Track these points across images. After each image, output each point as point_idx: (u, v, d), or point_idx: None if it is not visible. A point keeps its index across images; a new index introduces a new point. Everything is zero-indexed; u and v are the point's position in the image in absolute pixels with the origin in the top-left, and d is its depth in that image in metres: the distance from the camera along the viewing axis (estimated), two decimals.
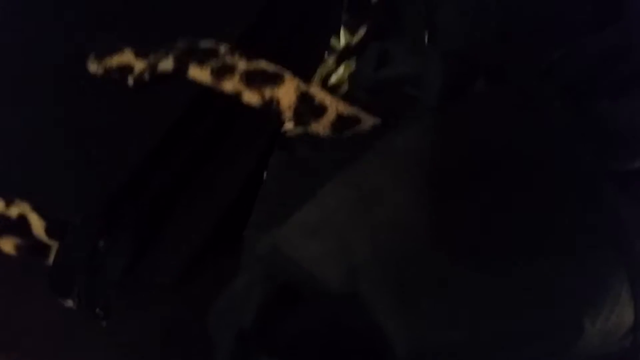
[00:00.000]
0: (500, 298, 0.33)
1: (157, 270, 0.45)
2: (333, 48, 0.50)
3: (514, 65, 0.38)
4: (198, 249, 0.45)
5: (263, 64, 0.45)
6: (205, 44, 0.46)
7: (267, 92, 0.44)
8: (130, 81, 0.47)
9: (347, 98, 0.45)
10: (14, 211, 0.46)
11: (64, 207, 0.45)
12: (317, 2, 0.54)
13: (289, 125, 0.46)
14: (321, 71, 0.49)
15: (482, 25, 0.40)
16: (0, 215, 0.46)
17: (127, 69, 0.48)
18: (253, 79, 0.44)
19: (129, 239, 0.44)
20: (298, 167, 0.43)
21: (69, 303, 0.45)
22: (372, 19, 0.49)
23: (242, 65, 0.45)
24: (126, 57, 0.48)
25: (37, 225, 0.45)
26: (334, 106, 0.43)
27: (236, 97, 0.44)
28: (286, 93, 0.44)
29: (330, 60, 0.49)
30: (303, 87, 0.44)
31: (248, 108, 0.44)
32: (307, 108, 0.43)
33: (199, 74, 0.45)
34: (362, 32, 0.49)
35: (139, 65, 0.48)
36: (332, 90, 0.47)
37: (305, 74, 0.47)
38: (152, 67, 0.46)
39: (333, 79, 0.48)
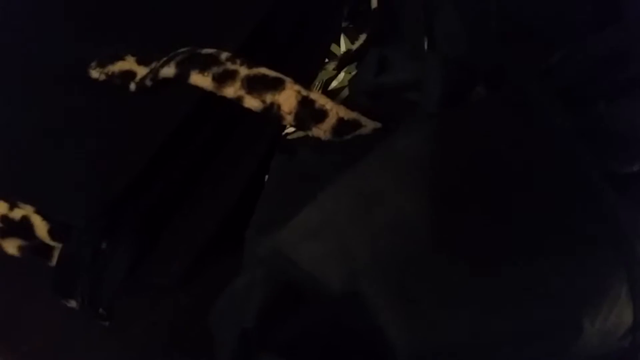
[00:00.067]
0: (500, 299, 0.34)
1: (160, 271, 0.45)
2: (333, 54, 0.51)
3: (514, 67, 0.38)
4: (200, 250, 0.45)
5: (264, 70, 0.45)
6: (207, 50, 0.47)
7: (268, 98, 0.44)
8: (133, 87, 0.47)
9: (348, 103, 0.45)
10: (17, 213, 0.46)
11: (67, 210, 0.45)
12: (317, 9, 0.54)
13: (289, 129, 0.47)
14: (322, 77, 0.50)
15: (481, 28, 0.40)
16: (3, 217, 0.46)
17: (129, 75, 0.48)
18: (254, 85, 0.44)
19: (132, 240, 0.44)
20: (298, 170, 0.43)
21: (72, 304, 0.45)
22: (372, 25, 0.49)
23: (243, 71, 0.45)
24: (128, 63, 0.49)
25: (41, 227, 0.45)
26: (335, 111, 0.43)
27: (237, 102, 0.45)
28: (287, 98, 0.44)
29: (331, 66, 0.50)
30: (304, 92, 0.44)
31: (249, 113, 0.45)
32: (308, 113, 0.43)
33: (201, 79, 0.45)
34: (362, 38, 0.50)
35: (141, 71, 0.48)
36: (333, 95, 0.47)
37: (306, 80, 0.47)
38: (154, 73, 0.47)
39: (333, 84, 0.49)
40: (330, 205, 0.36)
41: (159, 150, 0.45)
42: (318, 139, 0.44)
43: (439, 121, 0.38)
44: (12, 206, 0.46)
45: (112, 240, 0.44)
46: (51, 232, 0.46)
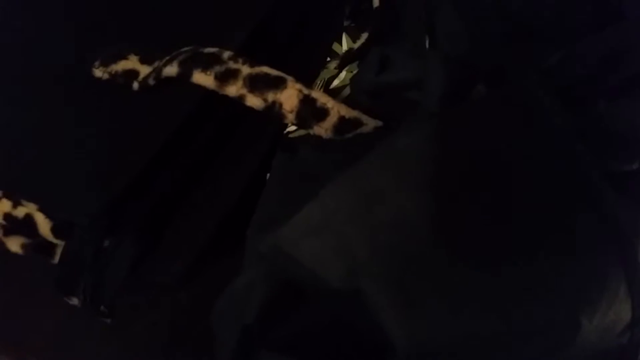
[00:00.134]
0: (500, 297, 0.34)
1: (162, 270, 0.45)
2: (335, 53, 0.51)
3: (514, 66, 0.38)
4: (202, 248, 0.45)
5: (266, 69, 0.45)
6: (209, 49, 0.47)
7: (270, 96, 0.44)
8: (135, 85, 0.48)
9: (349, 102, 0.45)
10: (20, 211, 0.46)
11: (70, 208, 0.45)
12: (319, 8, 0.54)
13: (291, 128, 0.47)
14: (323, 75, 0.50)
15: (481, 27, 0.40)
16: (7, 215, 0.46)
17: (132, 74, 0.48)
18: (256, 84, 0.45)
19: (134, 239, 0.45)
20: (300, 169, 0.43)
21: (74, 301, 0.45)
22: (373, 24, 0.49)
23: (245, 70, 0.45)
24: (131, 62, 0.49)
25: (44, 225, 0.46)
26: (336, 109, 0.43)
27: (239, 101, 0.45)
28: (289, 97, 0.44)
29: (333, 65, 0.50)
30: (305, 91, 0.44)
31: (251, 111, 0.45)
32: (309, 111, 0.44)
33: (203, 78, 0.45)
34: (364, 37, 0.50)
35: (144, 70, 0.48)
36: (334, 94, 0.47)
37: (307, 79, 0.47)
38: (157, 72, 0.47)
39: (335, 83, 0.49)
40: (332, 203, 0.36)
41: (161, 148, 0.45)
42: (319, 138, 0.44)
43: (439, 120, 0.38)
44: (16, 204, 0.46)
45: (114, 238, 0.44)
46: (54, 230, 0.46)
